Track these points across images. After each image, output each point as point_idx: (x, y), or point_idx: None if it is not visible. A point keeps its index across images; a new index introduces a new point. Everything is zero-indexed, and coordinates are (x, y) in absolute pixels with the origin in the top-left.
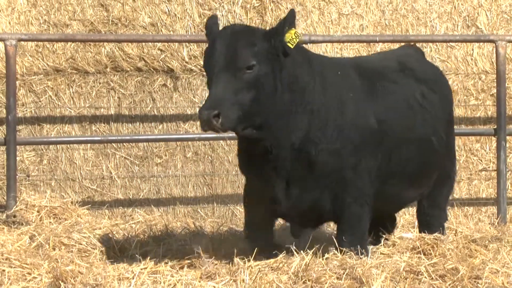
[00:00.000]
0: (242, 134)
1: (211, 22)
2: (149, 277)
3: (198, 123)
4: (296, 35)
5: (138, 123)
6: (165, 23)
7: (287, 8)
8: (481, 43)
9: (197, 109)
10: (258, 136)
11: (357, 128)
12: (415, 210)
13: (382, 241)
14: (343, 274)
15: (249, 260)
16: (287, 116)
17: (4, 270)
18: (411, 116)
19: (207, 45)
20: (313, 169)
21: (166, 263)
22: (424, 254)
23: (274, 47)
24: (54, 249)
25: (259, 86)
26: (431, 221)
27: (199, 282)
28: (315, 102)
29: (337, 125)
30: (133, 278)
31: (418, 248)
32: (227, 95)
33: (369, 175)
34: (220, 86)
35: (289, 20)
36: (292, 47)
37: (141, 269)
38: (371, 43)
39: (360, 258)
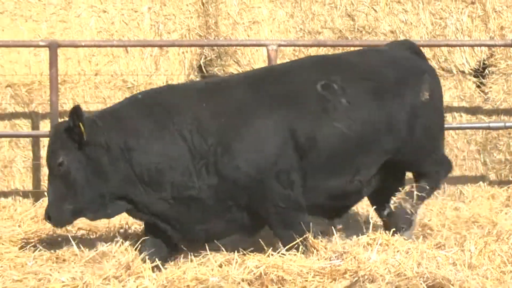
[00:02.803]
0: (105, 215)
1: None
2: (387, 246)
3: None
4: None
5: None
6: (402, 30)
7: (507, 17)
8: None
9: None
10: (129, 207)
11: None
12: None
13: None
14: None
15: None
16: (138, 180)
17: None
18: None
19: None
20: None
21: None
22: None
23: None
24: None
25: (80, 175)
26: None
27: (432, 250)
28: (162, 157)
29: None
30: (375, 245)
31: None
32: (54, 196)
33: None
34: (50, 189)
35: (77, 115)
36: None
37: (373, 238)
38: None
39: None
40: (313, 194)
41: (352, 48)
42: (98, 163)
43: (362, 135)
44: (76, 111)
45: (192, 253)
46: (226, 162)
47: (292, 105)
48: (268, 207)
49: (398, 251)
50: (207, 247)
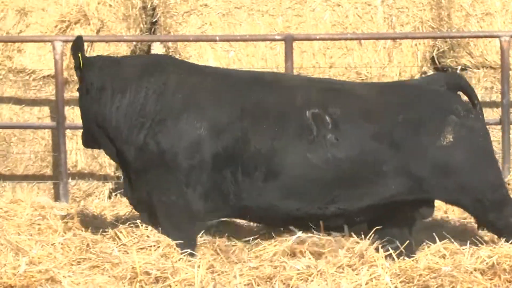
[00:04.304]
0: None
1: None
2: None
3: None
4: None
5: None
6: None
7: None
8: None
9: None
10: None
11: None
12: None
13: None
14: None
15: None
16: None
17: None
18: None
19: None
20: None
21: None
22: None
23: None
24: None
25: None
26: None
27: None
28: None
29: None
30: None
31: None
32: None
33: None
34: None
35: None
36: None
37: None
38: None
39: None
40: (270, 211)
41: None
42: (84, 99)
43: (344, 173)
44: (75, 42)
45: (425, 243)
46: (153, 132)
47: (262, 117)
48: (159, 194)
49: None
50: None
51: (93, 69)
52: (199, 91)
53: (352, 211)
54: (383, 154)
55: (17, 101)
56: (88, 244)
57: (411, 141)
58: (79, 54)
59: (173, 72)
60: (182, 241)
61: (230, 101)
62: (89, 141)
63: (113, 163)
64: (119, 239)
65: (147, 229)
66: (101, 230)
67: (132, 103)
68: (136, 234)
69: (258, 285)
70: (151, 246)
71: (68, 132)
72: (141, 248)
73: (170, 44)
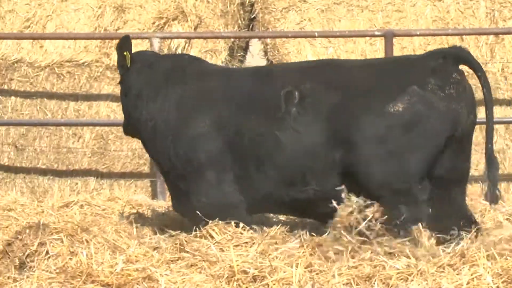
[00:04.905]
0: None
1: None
2: None
3: None
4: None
5: None
6: None
7: None
8: None
9: None
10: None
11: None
12: None
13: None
14: None
15: None
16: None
17: None
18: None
19: None
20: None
21: None
22: None
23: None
24: None
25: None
26: None
27: None
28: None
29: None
30: None
31: None
32: None
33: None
34: None
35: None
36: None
37: None
38: None
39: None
40: (269, 200)
41: None
42: (123, 99)
43: (309, 147)
44: (124, 41)
45: None
46: (173, 145)
47: (251, 108)
48: (193, 200)
49: None
50: None
51: (132, 72)
52: (206, 95)
53: (328, 192)
54: (335, 124)
55: (115, 98)
56: (181, 243)
57: (358, 106)
58: (125, 53)
59: (189, 80)
60: None
61: (229, 99)
62: (129, 131)
63: None
64: (212, 237)
65: (238, 226)
66: (194, 228)
67: (160, 115)
68: (229, 231)
69: (357, 285)
70: (246, 243)
71: None
72: (236, 246)
73: (268, 40)
